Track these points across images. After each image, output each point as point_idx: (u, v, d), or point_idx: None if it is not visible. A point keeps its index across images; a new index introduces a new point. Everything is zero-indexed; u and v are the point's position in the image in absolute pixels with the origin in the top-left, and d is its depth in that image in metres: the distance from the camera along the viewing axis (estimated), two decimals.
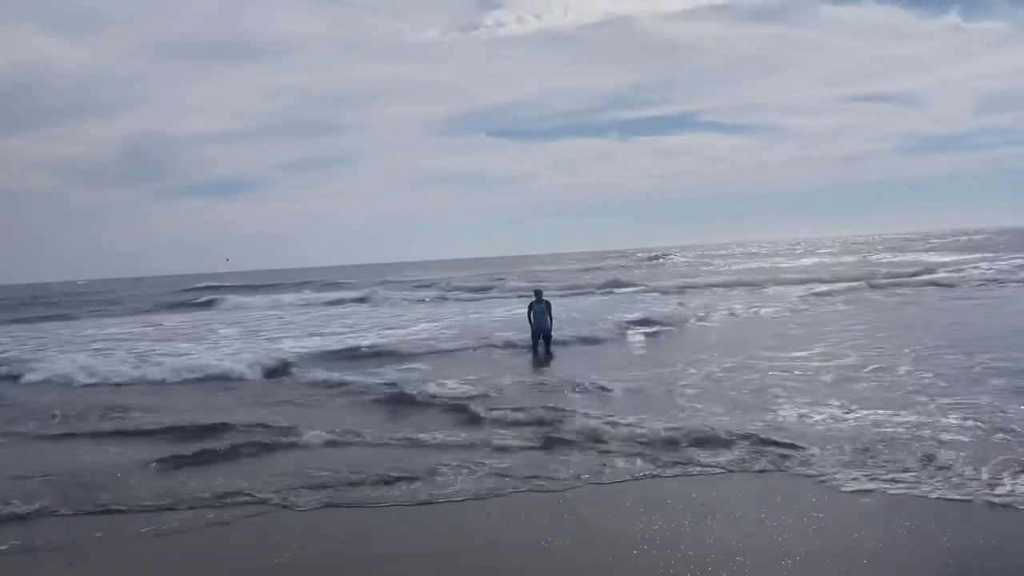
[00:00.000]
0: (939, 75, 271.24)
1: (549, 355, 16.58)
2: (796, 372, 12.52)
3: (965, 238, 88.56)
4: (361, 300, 39.88)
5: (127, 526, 6.78)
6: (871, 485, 6.76)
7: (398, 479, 7.62)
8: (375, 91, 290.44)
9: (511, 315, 24.58)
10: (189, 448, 9.24)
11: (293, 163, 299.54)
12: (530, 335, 17.16)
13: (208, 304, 43.70)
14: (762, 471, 7.37)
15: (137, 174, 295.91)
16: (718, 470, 7.48)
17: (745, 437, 8.30)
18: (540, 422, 9.61)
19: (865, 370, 12.36)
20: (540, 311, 17.13)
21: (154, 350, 19.76)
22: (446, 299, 38.69)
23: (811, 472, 7.17)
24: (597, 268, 68.62)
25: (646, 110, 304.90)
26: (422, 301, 38.16)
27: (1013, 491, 6.40)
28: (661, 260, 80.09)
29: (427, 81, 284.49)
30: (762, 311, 23.54)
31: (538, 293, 17.79)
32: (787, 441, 8.10)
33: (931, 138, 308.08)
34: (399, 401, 11.65)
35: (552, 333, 17.13)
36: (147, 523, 6.81)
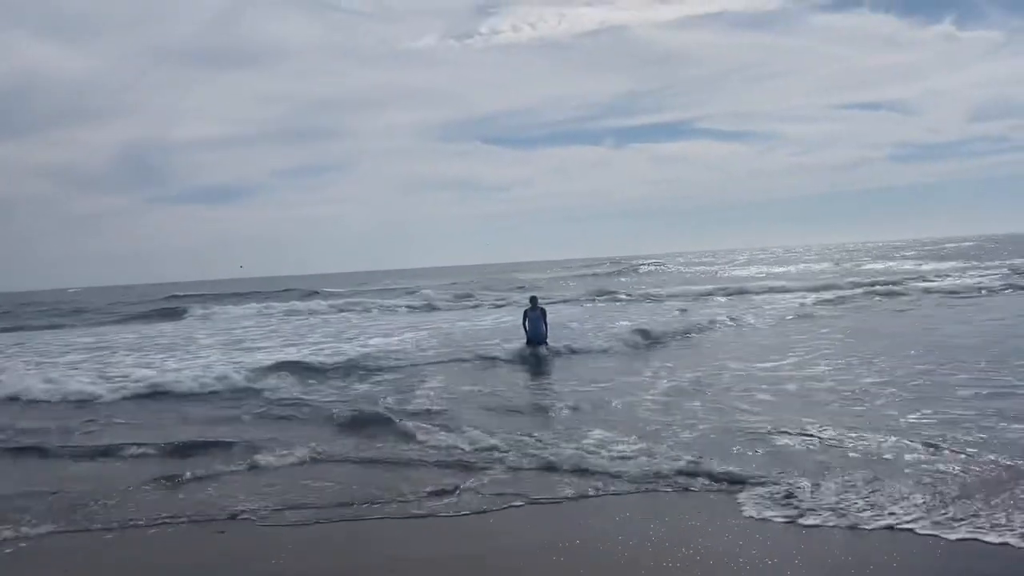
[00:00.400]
0: (932, 83, 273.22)
1: (543, 362, 16.53)
2: (773, 385, 12.51)
3: (952, 245, 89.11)
4: (348, 308, 39.26)
5: (118, 538, 6.83)
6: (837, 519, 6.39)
7: (384, 494, 7.67)
8: (371, 97, 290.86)
9: (496, 324, 24.24)
10: (168, 465, 9.22)
11: (289, 169, 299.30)
12: (525, 342, 16.98)
13: (186, 313, 42.60)
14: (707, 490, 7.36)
15: (132, 180, 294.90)
16: (669, 490, 7.38)
17: (705, 462, 8.01)
18: (517, 439, 9.53)
19: (830, 375, 12.75)
20: (535, 318, 17.25)
21: (125, 361, 19.21)
22: (436, 307, 38.24)
23: (774, 510, 6.69)
24: (592, 275, 68.48)
25: (641, 118, 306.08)
26: (411, 308, 37.66)
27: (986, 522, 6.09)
28: (654, 268, 79.80)
29: (423, 87, 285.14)
30: (750, 319, 23.49)
31: (533, 300, 17.99)
32: (739, 473, 7.79)
33: (924, 146, 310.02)
34: (373, 419, 11.31)
35: (547, 340, 16.92)
36: (137, 535, 6.88)
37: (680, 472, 7.68)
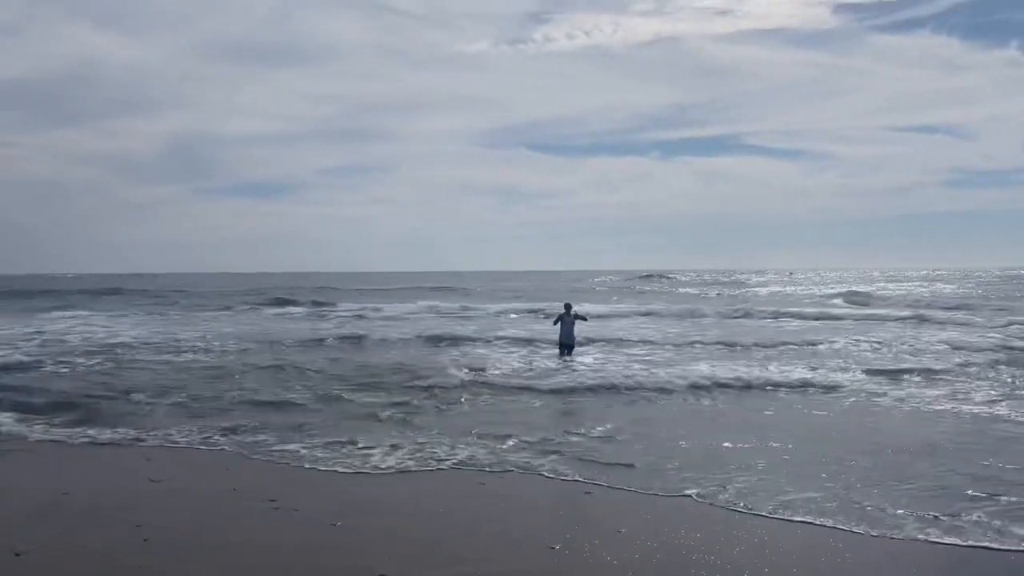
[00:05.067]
0: (992, 109, 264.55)
1: (570, 361, 17.82)
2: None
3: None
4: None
5: None
6: None
7: None
8: (420, 101, 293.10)
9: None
10: None
11: (335, 168, 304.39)
12: (558, 344, 18.79)
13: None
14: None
15: (181, 171, 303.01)
16: None
17: None
18: None
19: None
20: (568, 323, 18.76)
21: None
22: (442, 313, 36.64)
23: None
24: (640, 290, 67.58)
25: (688, 131, 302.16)
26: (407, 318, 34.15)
27: None
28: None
29: (472, 92, 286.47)
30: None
31: (568, 307, 19.17)
32: None
33: (980, 172, 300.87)
34: None
35: (575, 344, 18.72)
36: None
37: None
